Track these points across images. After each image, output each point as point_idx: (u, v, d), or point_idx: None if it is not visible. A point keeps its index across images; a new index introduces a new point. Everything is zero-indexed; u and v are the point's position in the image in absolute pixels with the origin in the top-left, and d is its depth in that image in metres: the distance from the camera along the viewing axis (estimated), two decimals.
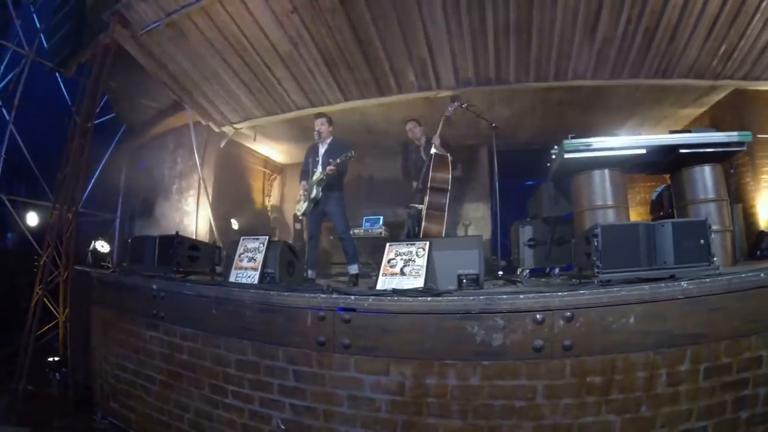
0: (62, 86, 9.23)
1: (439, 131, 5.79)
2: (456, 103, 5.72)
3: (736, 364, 2.95)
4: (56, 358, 6.24)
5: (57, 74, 8.26)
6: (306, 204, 5.38)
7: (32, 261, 7.32)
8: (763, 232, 6.33)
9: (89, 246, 7.02)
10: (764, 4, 5.61)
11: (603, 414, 2.87)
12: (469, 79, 6.91)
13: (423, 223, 5.44)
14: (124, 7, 6.36)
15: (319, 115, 5.67)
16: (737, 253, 5.10)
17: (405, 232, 6.12)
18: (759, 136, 6.50)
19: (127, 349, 4.68)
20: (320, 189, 5.32)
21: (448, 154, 5.72)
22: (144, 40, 6.76)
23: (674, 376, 2.89)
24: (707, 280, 3.02)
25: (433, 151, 5.67)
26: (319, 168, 5.40)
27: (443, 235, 5.41)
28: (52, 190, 7.33)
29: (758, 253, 6.06)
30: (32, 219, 8.18)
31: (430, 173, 5.55)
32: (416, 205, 5.84)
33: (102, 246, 7.12)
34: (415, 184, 6.04)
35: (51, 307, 6.38)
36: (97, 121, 7.06)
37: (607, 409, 2.88)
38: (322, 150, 5.52)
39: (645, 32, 5.95)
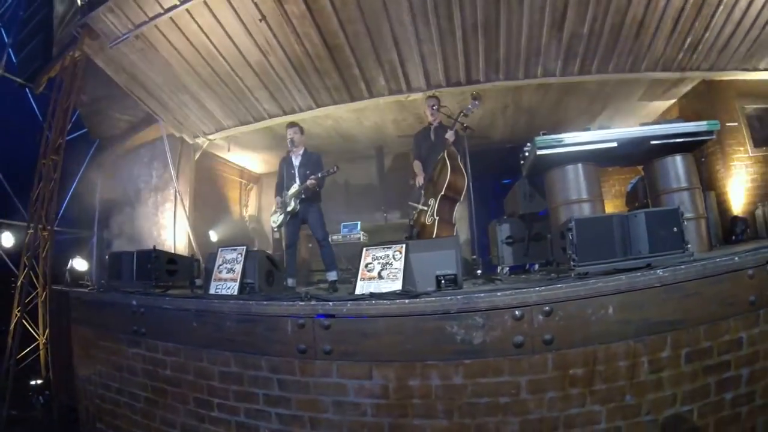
0: (33, 102, 9.09)
1: (454, 128, 5.33)
2: (477, 102, 5.27)
3: (717, 347, 2.99)
4: (39, 381, 6.13)
5: (27, 90, 8.13)
6: (282, 217, 5.36)
7: (9, 282, 7.19)
8: (736, 217, 6.48)
9: (66, 264, 6.91)
10: None
11: (588, 405, 2.89)
12: (439, 81, 6.97)
13: (435, 232, 5.07)
14: (92, 20, 6.29)
15: (291, 124, 5.61)
16: (713, 239, 5.18)
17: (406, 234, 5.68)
18: (727, 124, 6.70)
19: (110, 367, 4.60)
20: (298, 202, 5.31)
21: (459, 156, 5.29)
22: (113, 52, 6.69)
23: (656, 363, 2.92)
24: (682, 266, 3.07)
25: (446, 153, 5.23)
26: (296, 180, 5.39)
27: None
28: (26, 209, 7.20)
29: (733, 237, 6.21)
30: (7, 239, 8.01)
31: (448, 178, 5.10)
32: (415, 204, 5.50)
33: (79, 264, 7.01)
34: (420, 180, 5.59)
35: (30, 329, 6.26)
36: (69, 137, 6.96)
37: (591, 400, 2.89)
38: (296, 162, 5.50)
39: (611, 28, 6.08)
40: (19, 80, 7.77)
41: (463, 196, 5.32)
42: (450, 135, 5.29)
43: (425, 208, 5.32)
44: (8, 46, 8.34)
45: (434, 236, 5.03)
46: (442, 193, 5.14)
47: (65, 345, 5.55)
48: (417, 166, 5.72)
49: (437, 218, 5.12)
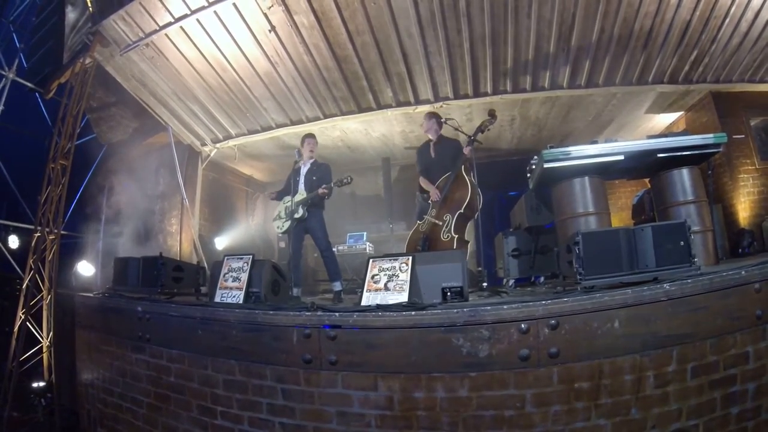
0: (42, 106, 9.17)
1: (471, 147, 5.28)
2: (494, 119, 5.40)
3: (723, 361, 2.99)
4: (41, 384, 6.12)
5: (37, 95, 8.19)
6: (288, 223, 5.38)
7: (14, 285, 7.21)
8: (743, 229, 6.45)
9: (72, 268, 6.93)
10: (733, 9, 5.78)
11: (593, 419, 2.88)
12: (447, 93, 6.98)
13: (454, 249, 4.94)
14: (103, 27, 6.34)
15: (310, 135, 5.77)
16: (720, 252, 5.17)
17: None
18: (734, 137, 6.68)
19: (114, 372, 4.61)
20: (305, 209, 5.34)
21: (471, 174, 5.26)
22: (124, 60, 6.75)
23: (662, 377, 2.91)
24: (689, 280, 3.06)
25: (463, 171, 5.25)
26: (302, 188, 5.45)
27: None
28: (33, 212, 7.24)
29: (740, 251, 6.18)
30: (13, 242, 8.07)
31: (469, 196, 5.12)
32: (430, 218, 5.35)
33: (85, 268, 7.03)
34: (437, 195, 5.36)
35: (35, 332, 6.27)
36: (78, 142, 7.00)
37: (597, 414, 2.88)
38: (304, 170, 5.58)
39: (618, 41, 6.08)
40: (29, 85, 7.82)
41: (474, 214, 5.31)
42: (468, 151, 5.29)
43: (439, 222, 5.27)
44: (19, 51, 8.43)
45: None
46: (461, 211, 5.14)
47: (69, 348, 5.56)
48: (424, 182, 5.66)
49: (456, 236, 5.09)
